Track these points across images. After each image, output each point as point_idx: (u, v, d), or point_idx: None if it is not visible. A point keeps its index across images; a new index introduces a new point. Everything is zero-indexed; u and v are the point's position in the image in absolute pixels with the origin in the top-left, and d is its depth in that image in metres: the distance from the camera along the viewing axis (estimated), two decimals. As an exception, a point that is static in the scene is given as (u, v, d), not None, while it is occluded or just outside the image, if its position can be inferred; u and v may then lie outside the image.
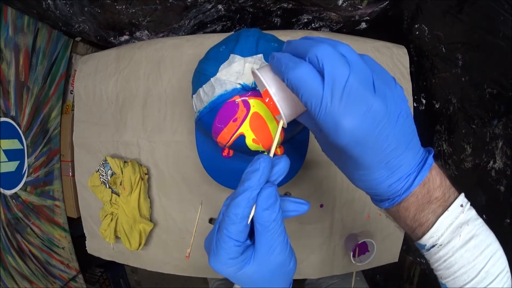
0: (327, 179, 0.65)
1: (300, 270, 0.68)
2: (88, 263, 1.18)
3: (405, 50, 0.68)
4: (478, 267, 0.26)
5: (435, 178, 0.27)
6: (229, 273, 0.25)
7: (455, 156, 0.61)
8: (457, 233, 0.27)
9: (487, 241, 0.27)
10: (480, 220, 0.28)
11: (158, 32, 0.74)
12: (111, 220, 0.69)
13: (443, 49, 0.60)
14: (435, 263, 0.29)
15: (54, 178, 0.84)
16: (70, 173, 0.83)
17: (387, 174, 0.26)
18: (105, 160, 0.69)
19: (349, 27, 0.74)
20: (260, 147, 0.47)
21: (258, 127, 0.44)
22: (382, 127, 0.23)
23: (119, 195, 0.68)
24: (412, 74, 0.68)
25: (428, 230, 0.27)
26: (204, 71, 0.45)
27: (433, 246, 0.28)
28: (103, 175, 0.69)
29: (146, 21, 0.70)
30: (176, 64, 0.68)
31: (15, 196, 0.72)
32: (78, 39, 0.85)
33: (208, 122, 0.46)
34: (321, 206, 0.66)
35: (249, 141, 0.45)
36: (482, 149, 0.54)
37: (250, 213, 0.24)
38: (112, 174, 0.68)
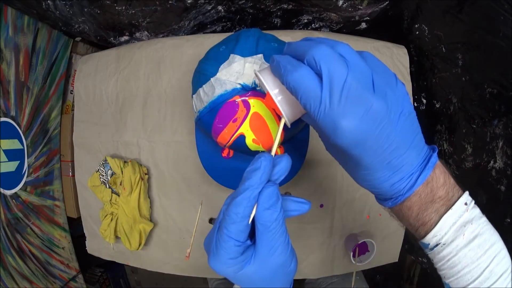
0: (327, 179, 0.65)
1: (300, 270, 0.68)
2: (88, 263, 1.18)
3: (405, 50, 0.68)
4: (482, 266, 0.26)
5: (438, 177, 0.27)
6: (229, 273, 0.25)
7: (455, 156, 0.61)
8: (461, 232, 0.26)
9: (491, 240, 0.27)
10: (484, 219, 0.27)
11: (158, 33, 0.74)
12: (111, 220, 0.69)
13: (443, 49, 0.60)
14: (439, 262, 0.28)
15: (54, 178, 0.84)
16: (70, 173, 0.83)
17: (389, 174, 0.26)
18: (105, 160, 0.69)
19: (349, 28, 0.74)
20: (260, 147, 0.47)
21: (258, 127, 0.44)
22: (382, 127, 0.23)
23: (119, 195, 0.68)
24: (412, 74, 0.68)
25: (431, 229, 0.27)
26: (204, 71, 0.45)
27: (437, 245, 0.27)
28: (103, 175, 0.69)
29: (146, 22, 0.70)
30: (176, 64, 0.68)
31: (15, 196, 0.72)
32: (78, 39, 0.85)
33: (208, 122, 0.46)
34: (321, 206, 0.66)
35: (249, 141, 0.45)
36: (483, 148, 0.54)
37: (251, 213, 0.24)
38: (112, 174, 0.68)
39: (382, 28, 0.74)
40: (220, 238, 0.24)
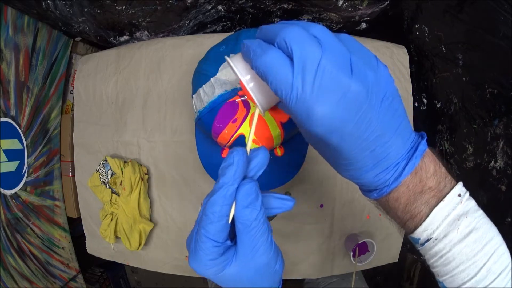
0: (327, 179, 0.65)
1: (300, 270, 0.68)
2: (88, 263, 1.19)
3: (405, 50, 0.68)
4: (479, 264, 0.24)
5: (428, 166, 0.25)
6: (210, 275, 0.24)
7: (456, 156, 0.61)
8: (455, 226, 0.24)
9: (488, 235, 0.24)
10: (480, 212, 0.25)
11: (158, 32, 0.74)
12: (111, 220, 0.69)
13: (443, 49, 0.60)
14: (431, 259, 0.26)
15: (54, 178, 0.84)
16: (70, 173, 0.83)
17: (373, 163, 0.24)
18: (105, 160, 0.69)
19: (349, 28, 0.74)
20: (260, 147, 0.47)
21: (258, 127, 0.44)
22: (362, 113, 0.21)
23: (119, 195, 0.68)
24: (412, 74, 0.68)
25: (421, 223, 0.25)
26: (204, 71, 0.45)
27: (428, 240, 0.25)
28: (103, 175, 0.69)
29: (146, 21, 0.70)
30: (176, 64, 0.68)
31: (15, 196, 0.72)
32: (78, 39, 0.85)
33: (208, 122, 0.46)
34: (321, 206, 0.66)
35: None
36: (483, 148, 0.54)
37: (229, 212, 0.22)
38: (112, 174, 0.68)
39: (382, 28, 0.74)
40: (199, 238, 0.23)
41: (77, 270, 0.91)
